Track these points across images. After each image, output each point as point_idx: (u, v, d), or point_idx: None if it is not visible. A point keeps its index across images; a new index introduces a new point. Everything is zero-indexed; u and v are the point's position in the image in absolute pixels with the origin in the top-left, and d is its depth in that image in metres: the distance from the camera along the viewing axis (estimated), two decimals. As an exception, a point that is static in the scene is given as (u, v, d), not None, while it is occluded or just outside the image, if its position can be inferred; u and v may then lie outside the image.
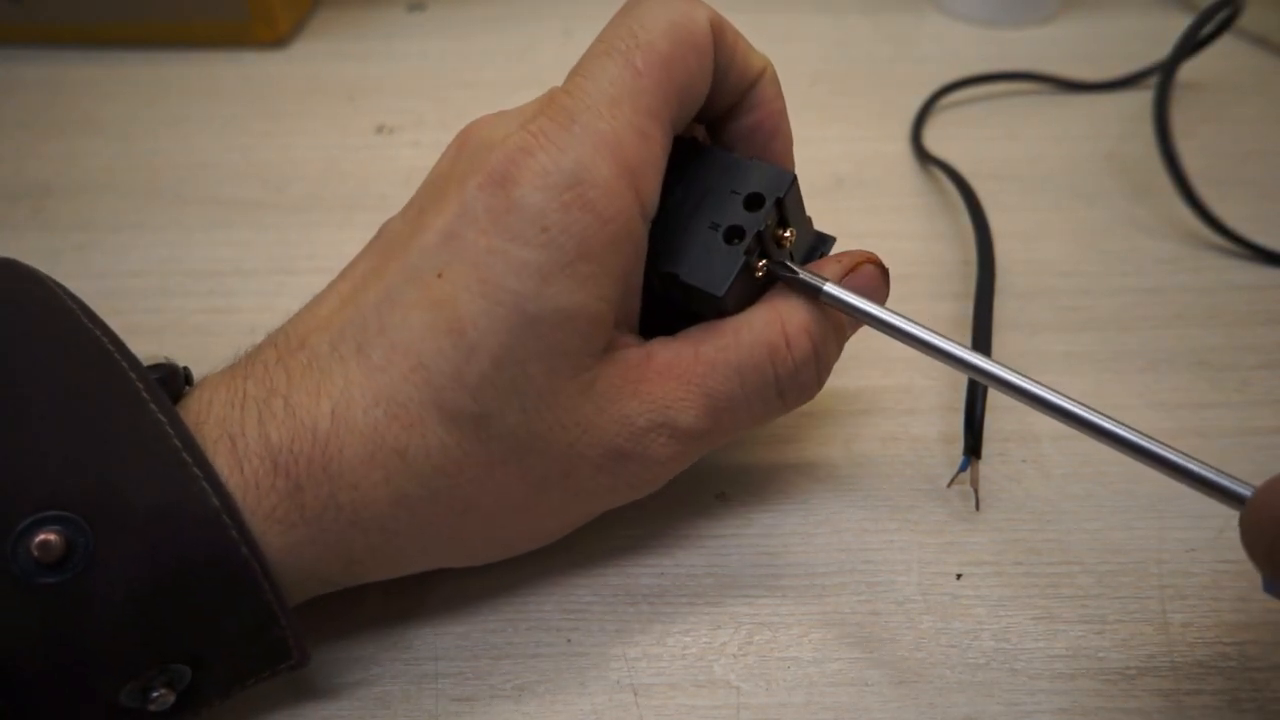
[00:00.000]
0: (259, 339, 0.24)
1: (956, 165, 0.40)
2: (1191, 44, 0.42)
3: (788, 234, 0.24)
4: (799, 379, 0.24)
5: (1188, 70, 0.43)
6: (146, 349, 0.22)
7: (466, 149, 0.23)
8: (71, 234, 0.39)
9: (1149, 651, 0.24)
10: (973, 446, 0.28)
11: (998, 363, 0.22)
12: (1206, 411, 0.31)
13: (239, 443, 0.21)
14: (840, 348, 0.25)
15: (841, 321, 0.25)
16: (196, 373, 0.24)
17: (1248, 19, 0.47)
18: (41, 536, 0.18)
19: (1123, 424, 0.21)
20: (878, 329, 0.23)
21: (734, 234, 0.23)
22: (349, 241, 0.39)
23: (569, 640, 0.25)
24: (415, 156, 0.44)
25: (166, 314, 0.35)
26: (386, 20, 0.55)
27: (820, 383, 0.25)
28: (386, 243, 0.24)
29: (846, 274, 0.24)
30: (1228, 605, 0.25)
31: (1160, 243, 0.38)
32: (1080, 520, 0.27)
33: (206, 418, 0.21)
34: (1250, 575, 0.26)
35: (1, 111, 0.47)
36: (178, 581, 0.19)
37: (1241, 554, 0.26)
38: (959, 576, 0.26)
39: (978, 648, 0.24)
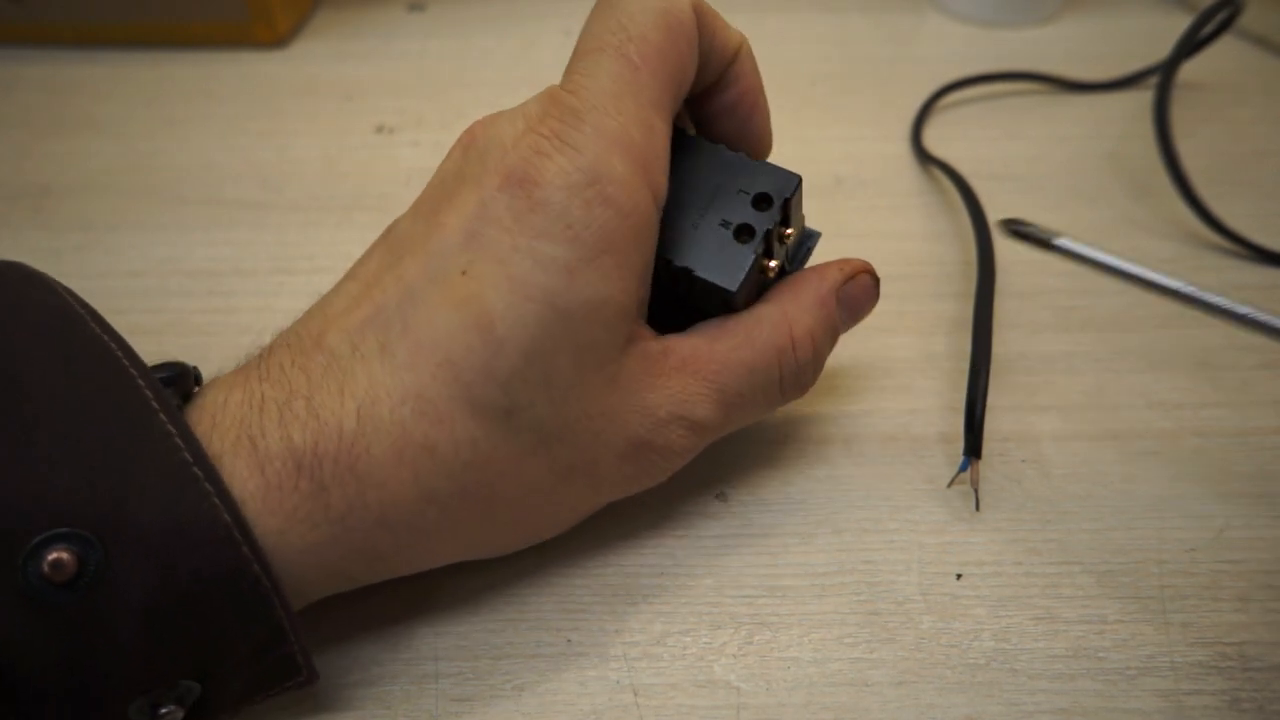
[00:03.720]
0: (258, 339, 0.24)
1: (956, 165, 0.40)
2: (1191, 44, 0.42)
3: (789, 232, 0.25)
4: (800, 378, 0.26)
5: (1188, 70, 0.43)
6: (146, 349, 0.22)
7: (474, 150, 0.23)
8: (71, 234, 0.39)
9: (1149, 651, 0.24)
10: (973, 447, 0.28)
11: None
12: (1206, 411, 0.31)
13: (259, 444, 0.21)
14: (833, 345, 0.27)
15: (837, 323, 0.27)
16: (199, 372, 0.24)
17: (1248, 19, 0.47)
18: (54, 555, 0.18)
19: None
20: (1100, 272, 0.30)
21: (744, 232, 0.24)
22: (348, 241, 0.39)
23: (569, 640, 0.25)
24: (415, 156, 0.44)
25: (166, 314, 0.35)
26: (386, 20, 0.55)
27: (816, 379, 0.27)
28: (398, 241, 0.23)
29: (848, 279, 0.26)
30: (1228, 605, 0.25)
31: (1160, 243, 0.38)
32: (1080, 520, 0.27)
33: (222, 418, 0.21)
34: (1250, 575, 0.26)
35: (1, 111, 0.47)
36: (188, 599, 0.19)
37: (1241, 554, 0.26)
38: (959, 576, 0.26)
39: (978, 648, 0.24)
